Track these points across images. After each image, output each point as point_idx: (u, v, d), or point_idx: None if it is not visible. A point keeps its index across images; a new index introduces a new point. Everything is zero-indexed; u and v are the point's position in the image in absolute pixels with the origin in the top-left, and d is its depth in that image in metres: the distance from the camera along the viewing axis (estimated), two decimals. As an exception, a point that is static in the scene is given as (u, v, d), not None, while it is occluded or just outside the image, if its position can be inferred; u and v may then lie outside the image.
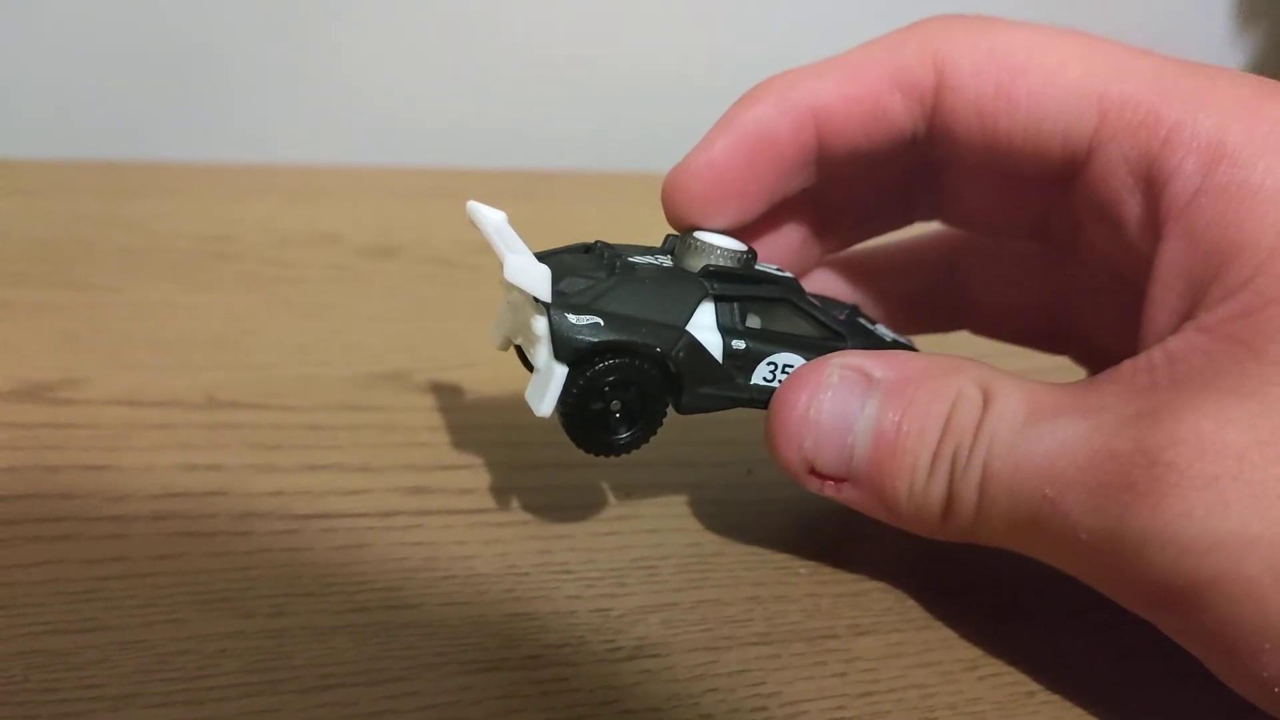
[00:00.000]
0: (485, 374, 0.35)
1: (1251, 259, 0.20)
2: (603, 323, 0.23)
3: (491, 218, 0.25)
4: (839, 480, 0.24)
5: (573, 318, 0.22)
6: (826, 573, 0.27)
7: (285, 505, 0.27)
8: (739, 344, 0.24)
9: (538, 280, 0.22)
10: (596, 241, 0.26)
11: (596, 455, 0.24)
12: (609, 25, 0.66)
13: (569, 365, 0.23)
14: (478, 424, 0.32)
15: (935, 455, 0.22)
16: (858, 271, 0.31)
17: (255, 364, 0.35)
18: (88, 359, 0.34)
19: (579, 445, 0.24)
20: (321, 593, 0.24)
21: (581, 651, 0.23)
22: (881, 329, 0.28)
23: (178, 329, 0.37)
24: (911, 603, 0.26)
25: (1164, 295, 0.22)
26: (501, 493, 0.29)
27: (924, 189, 0.29)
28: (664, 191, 0.26)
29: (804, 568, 0.27)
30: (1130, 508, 0.19)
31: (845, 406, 0.23)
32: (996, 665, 0.24)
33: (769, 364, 0.25)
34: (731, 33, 0.68)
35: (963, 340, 0.33)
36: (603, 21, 0.66)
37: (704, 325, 0.24)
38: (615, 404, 0.24)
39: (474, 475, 0.29)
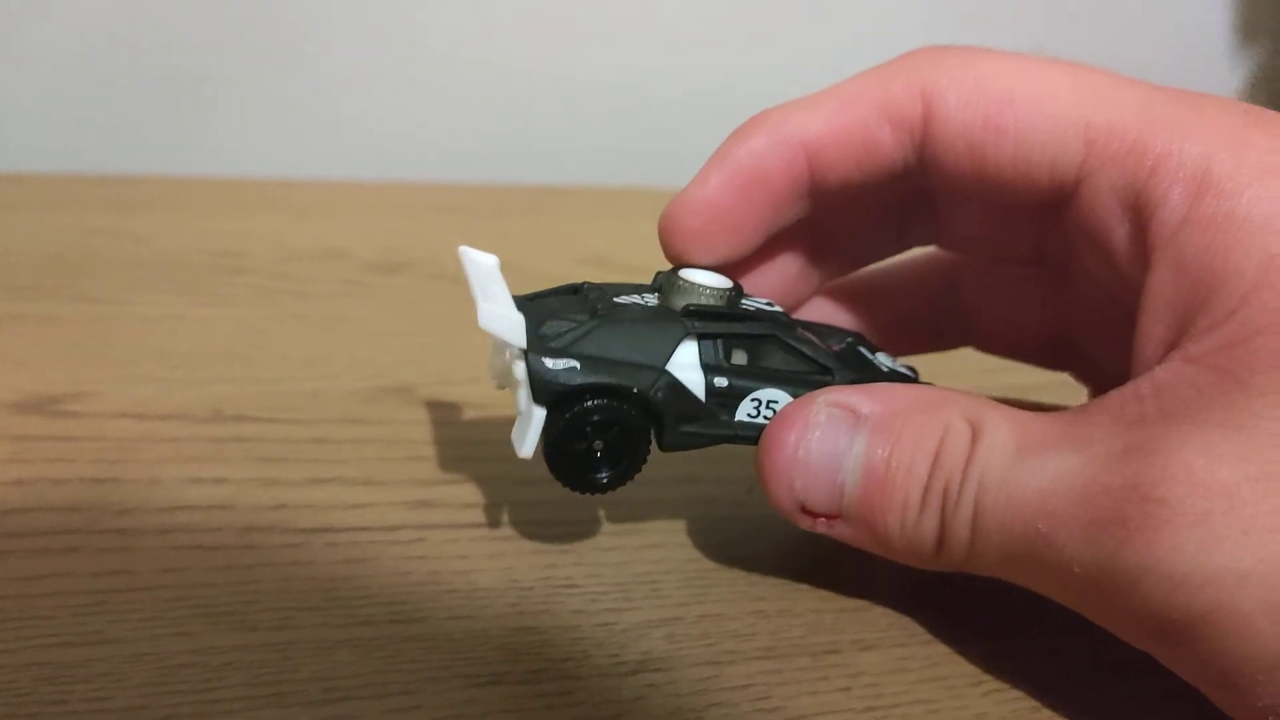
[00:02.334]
0: (490, 389, 0.35)
1: (1237, 289, 0.20)
2: (579, 365, 0.23)
3: (482, 262, 0.25)
4: (831, 517, 0.24)
5: (550, 362, 0.23)
6: (830, 587, 0.27)
7: (290, 519, 0.27)
8: (721, 381, 0.24)
9: (513, 327, 0.23)
10: (584, 282, 0.26)
11: (581, 494, 0.25)
12: (615, 41, 0.66)
13: (548, 407, 0.23)
14: (482, 439, 0.32)
15: (926, 490, 0.22)
16: (859, 297, 0.31)
17: (262, 378, 0.35)
18: (95, 372, 0.34)
19: (564, 484, 0.24)
20: (326, 606, 0.24)
21: (585, 665, 0.23)
22: (882, 357, 0.28)
23: (185, 343, 0.38)
24: (916, 617, 0.26)
25: (1152, 325, 0.22)
26: (505, 507, 0.29)
27: (919, 215, 0.29)
28: (661, 228, 0.26)
29: (808, 582, 0.27)
30: (1124, 543, 0.19)
31: (833, 445, 0.23)
32: (1002, 681, 0.24)
33: (753, 400, 0.25)
34: (737, 49, 0.68)
35: (967, 356, 0.33)
36: (608, 38, 0.66)
37: (686, 364, 0.24)
38: (598, 444, 0.24)
39: (478, 490, 0.29)
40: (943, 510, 0.22)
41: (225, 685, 0.22)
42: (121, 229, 0.50)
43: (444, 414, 0.34)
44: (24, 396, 0.32)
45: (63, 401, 0.32)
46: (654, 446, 0.25)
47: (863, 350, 0.28)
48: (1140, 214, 0.22)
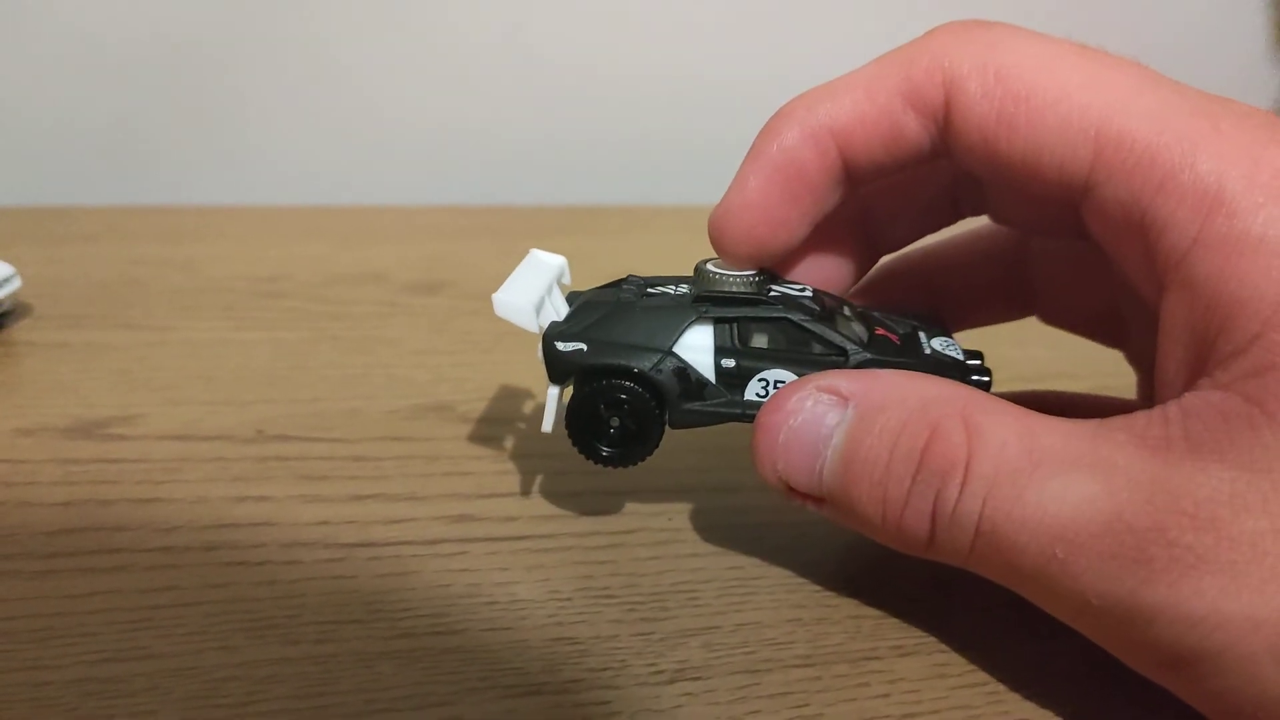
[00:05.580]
0: (527, 404, 0.36)
1: (1257, 314, 0.20)
2: (586, 348, 0.26)
3: (545, 261, 0.28)
4: (819, 500, 0.24)
5: (561, 345, 0.26)
6: (869, 594, 0.26)
7: (332, 534, 0.28)
8: (728, 362, 0.26)
9: (522, 314, 0.25)
10: (629, 275, 0.28)
11: (604, 466, 0.26)
12: (653, 64, 0.67)
13: (564, 386, 0.26)
14: (520, 453, 0.33)
15: (911, 486, 0.22)
16: (927, 270, 0.32)
17: (303, 398, 0.36)
18: (141, 396, 0.35)
19: (578, 450, 0.26)
20: (367, 619, 0.24)
21: (623, 675, 0.23)
22: (938, 343, 0.27)
23: (228, 366, 0.38)
24: (955, 623, 0.26)
25: (1171, 346, 0.22)
26: (544, 520, 0.29)
27: (967, 188, 0.29)
28: (710, 233, 0.27)
29: (846, 589, 0.27)
30: (1146, 582, 0.19)
31: (816, 431, 0.23)
32: (1043, 686, 0.24)
33: (760, 380, 0.25)
34: (778, 70, 0.68)
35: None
36: (646, 60, 0.66)
37: (696, 346, 0.26)
38: (614, 420, 0.26)
39: (517, 503, 0.30)
40: (934, 511, 0.22)
41: (268, 698, 0.22)
42: (167, 258, 0.51)
43: (482, 430, 0.34)
44: (73, 421, 0.33)
45: (110, 425, 0.33)
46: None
47: (921, 335, 0.27)
48: (1148, 232, 0.22)
